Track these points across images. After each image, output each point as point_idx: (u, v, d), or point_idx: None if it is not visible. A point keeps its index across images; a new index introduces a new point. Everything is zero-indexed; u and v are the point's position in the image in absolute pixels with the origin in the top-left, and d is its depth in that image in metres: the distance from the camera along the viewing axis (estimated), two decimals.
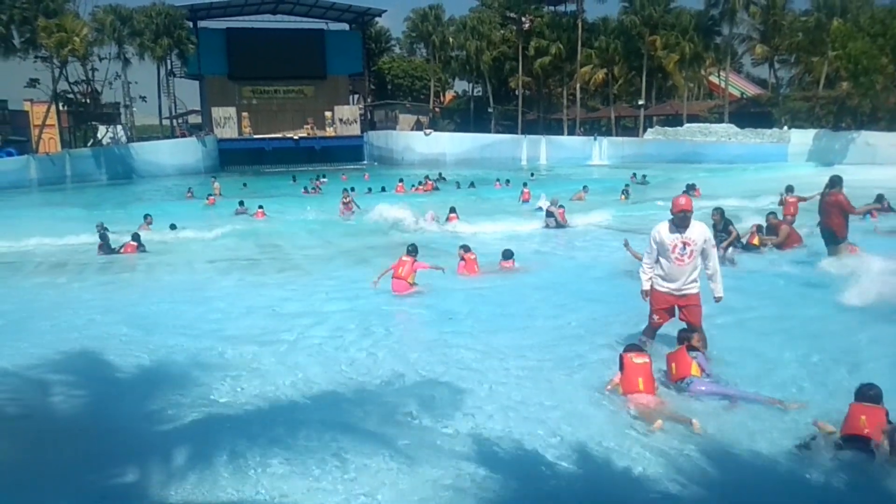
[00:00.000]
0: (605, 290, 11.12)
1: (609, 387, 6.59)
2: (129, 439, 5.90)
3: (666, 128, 54.93)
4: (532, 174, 40.48)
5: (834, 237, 12.03)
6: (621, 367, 6.57)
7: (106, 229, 17.45)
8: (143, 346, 8.52)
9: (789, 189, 17.87)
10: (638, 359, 6.51)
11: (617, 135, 59.24)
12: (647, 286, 7.46)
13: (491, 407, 6.27)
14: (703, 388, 6.54)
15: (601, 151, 53.86)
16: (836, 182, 12.15)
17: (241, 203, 26.41)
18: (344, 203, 24.66)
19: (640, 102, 58.65)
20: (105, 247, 16.87)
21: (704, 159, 45.78)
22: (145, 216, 20.50)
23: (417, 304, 10.70)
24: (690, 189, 25.23)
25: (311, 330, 9.11)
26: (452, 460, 5.23)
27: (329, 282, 12.70)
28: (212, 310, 10.52)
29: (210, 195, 30.83)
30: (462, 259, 12.81)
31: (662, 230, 7.26)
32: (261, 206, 25.18)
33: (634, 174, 35.44)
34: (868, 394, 5.53)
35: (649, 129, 55.79)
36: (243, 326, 9.42)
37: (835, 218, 11.97)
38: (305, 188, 34.94)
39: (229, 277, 13.60)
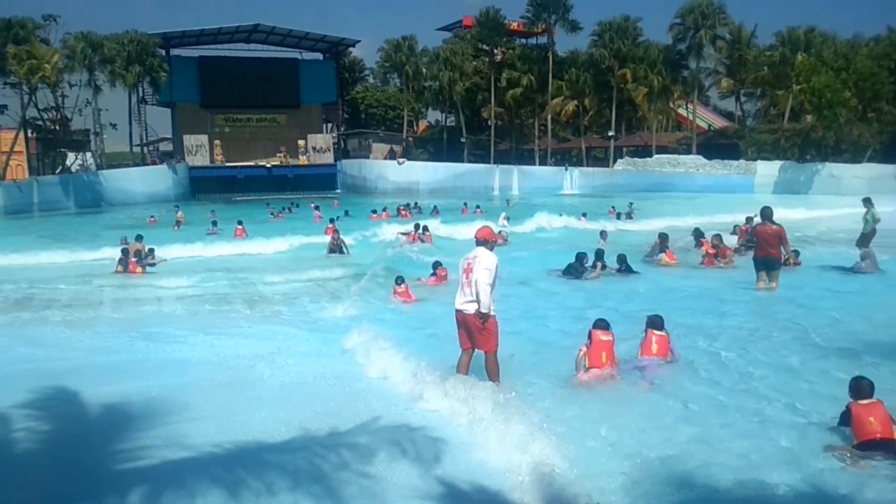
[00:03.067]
0: None
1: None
2: (88, 478, 5.82)
3: (636, 158, 55.82)
4: (508, 201, 40.80)
5: (776, 264, 13.02)
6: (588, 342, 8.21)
7: (127, 243, 19.28)
8: (105, 385, 8.34)
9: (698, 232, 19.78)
10: (604, 336, 8.20)
11: (587, 165, 60.05)
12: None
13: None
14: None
15: (572, 181, 54.53)
16: (768, 214, 13.07)
17: (214, 223, 27.27)
18: (332, 240, 21.25)
19: (611, 133, 59.63)
20: (123, 262, 18.08)
21: (673, 189, 46.55)
22: (137, 236, 20.68)
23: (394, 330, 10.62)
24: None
25: (279, 369, 9.00)
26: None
27: (299, 318, 12.62)
28: (175, 348, 10.36)
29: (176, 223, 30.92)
30: (434, 274, 14.90)
31: None
32: (240, 223, 26.26)
33: (613, 207, 32.89)
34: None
35: (619, 160, 56.63)
36: (207, 365, 9.27)
37: (776, 248, 12.93)
38: (272, 213, 35.68)
39: (196, 312, 13.42)
